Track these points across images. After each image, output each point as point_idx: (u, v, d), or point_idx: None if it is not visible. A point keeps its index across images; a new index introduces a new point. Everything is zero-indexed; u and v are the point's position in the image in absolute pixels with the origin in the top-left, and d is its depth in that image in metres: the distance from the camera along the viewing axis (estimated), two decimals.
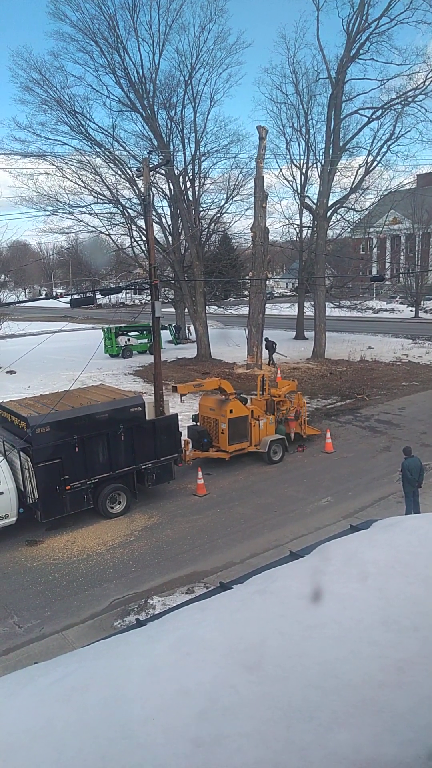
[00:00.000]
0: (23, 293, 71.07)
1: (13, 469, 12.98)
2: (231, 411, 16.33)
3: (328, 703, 2.02)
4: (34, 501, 12.68)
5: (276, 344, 32.36)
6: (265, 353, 32.09)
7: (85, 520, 13.59)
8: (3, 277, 40.27)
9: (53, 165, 31.66)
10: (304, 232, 39.43)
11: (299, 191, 37.89)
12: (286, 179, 39.66)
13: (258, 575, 3.20)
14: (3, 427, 14.25)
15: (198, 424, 17.29)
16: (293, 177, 38.15)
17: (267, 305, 33.85)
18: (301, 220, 39.07)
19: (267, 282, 40.37)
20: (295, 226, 39.67)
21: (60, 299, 21.64)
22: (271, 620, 2.52)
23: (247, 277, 35.12)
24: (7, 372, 28.40)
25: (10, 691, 1.95)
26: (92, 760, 1.59)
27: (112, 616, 10.00)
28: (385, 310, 61.00)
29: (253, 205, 31.57)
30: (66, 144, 32.62)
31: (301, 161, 36.95)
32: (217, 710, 1.91)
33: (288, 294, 67.47)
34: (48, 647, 9.16)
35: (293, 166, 37.82)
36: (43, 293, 71.58)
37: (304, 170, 37.05)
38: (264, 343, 31.94)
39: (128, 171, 31.85)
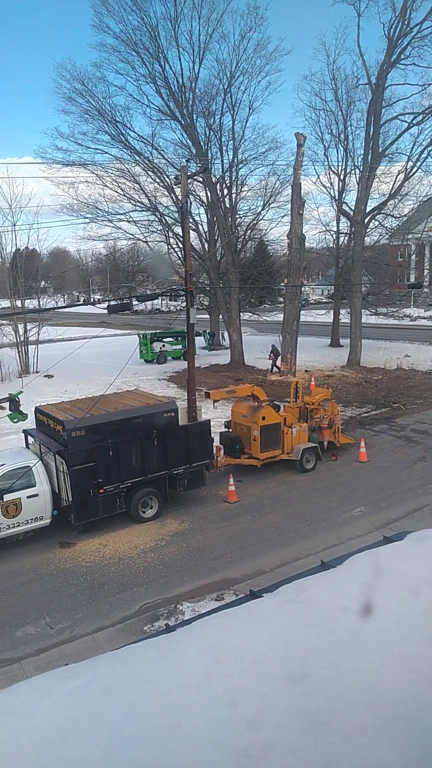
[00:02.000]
0: (62, 299, 72.48)
1: (49, 472, 13.21)
2: (263, 418, 16.28)
3: (357, 717, 1.99)
4: (68, 503, 12.87)
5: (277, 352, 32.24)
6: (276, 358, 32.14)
7: (118, 523, 13.72)
8: (43, 283, 41.16)
9: (93, 173, 32.33)
10: (341, 239, 39.14)
11: (337, 198, 37.66)
12: (323, 186, 39.43)
13: (288, 584, 3.18)
14: (40, 430, 14.54)
15: (230, 430, 17.28)
16: (331, 183, 37.96)
17: (302, 312, 33.69)
18: (338, 226, 38.82)
19: (302, 289, 40.17)
20: (332, 232, 39.42)
21: (97, 305, 21.97)
22: (301, 630, 2.49)
23: (283, 284, 35.04)
24: (44, 376, 28.96)
25: (42, 692, 1.98)
26: (120, 764, 1.61)
27: (142, 620, 10.05)
28: (423, 317, 59.94)
29: (289, 212, 31.51)
30: (106, 153, 33.28)
31: (340, 167, 36.74)
32: (243, 719, 1.90)
33: (323, 301, 67.02)
34: (78, 649, 9.26)
35: (331, 173, 37.63)
36: (81, 299, 72.84)
37: (342, 176, 36.81)
38: (272, 349, 31.91)
39: (166, 179, 32.24)
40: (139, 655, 2.12)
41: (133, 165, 32.86)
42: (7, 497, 12.28)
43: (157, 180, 32.95)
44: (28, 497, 12.63)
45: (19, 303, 33.93)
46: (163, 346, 37.21)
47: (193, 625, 2.89)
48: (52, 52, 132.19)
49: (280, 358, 32.06)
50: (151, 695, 1.81)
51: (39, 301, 37.49)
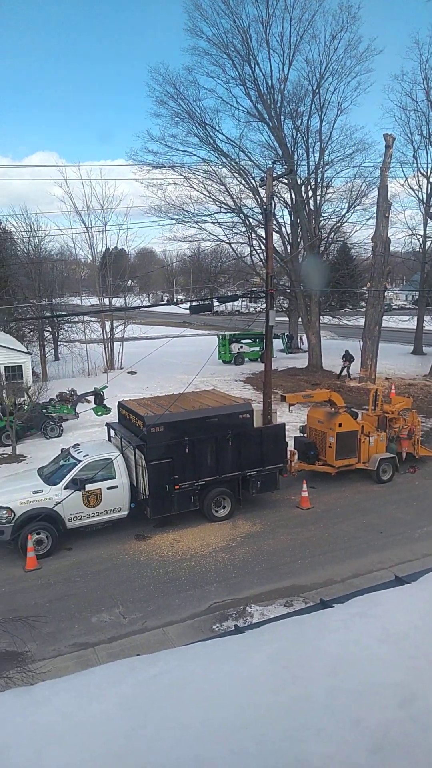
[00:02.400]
0: (147, 298, 74.46)
1: (128, 465, 13.64)
2: (340, 425, 15.96)
3: (428, 739, 1.93)
4: (145, 497, 13.23)
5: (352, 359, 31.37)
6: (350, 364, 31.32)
7: (191, 520, 13.93)
8: (129, 282, 42.50)
9: (181, 175, 32.95)
10: (428, 243, 37.63)
11: (425, 200, 36.25)
12: (411, 188, 38.08)
13: (360, 597, 3.12)
14: (122, 424, 15.04)
15: (305, 435, 17.09)
16: (419, 186, 36.60)
17: (384, 317, 32.68)
18: (425, 230, 37.35)
19: (385, 293, 38.96)
20: (419, 236, 37.98)
21: (180, 305, 22.41)
22: (371, 646, 2.45)
23: (365, 288, 34.17)
24: (128, 372, 29.90)
25: (114, 679, 2.06)
26: (185, 759, 1.65)
27: (211, 619, 10.16)
28: None
29: (375, 215, 30.67)
30: (194, 155, 33.80)
31: (429, 169, 35.35)
32: (309, 730, 1.90)
33: (407, 306, 64.68)
34: (149, 641, 9.50)
35: (420, 175, 36.28)
36: (165, 299, 74.49)
37: (431, 179, 35.41)
38: (345, 354, 31.12)
39: (252, 180, 32.34)
40: (208, 653, 2.16)
41: (220, 167, 33.20)
42: (88, 487, 12.80)
43: (243, 182, 33.10)
44: (108, 488, 13.10)
45: (106, 301, 35.21)
46: (241, 347, 37.33)
47: (263, 629, 2.90)
48: (148, 57, 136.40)
49: (351, 363, 31.30)
50: (219, 694, 1.85)
51: (125, 300, 38.71)
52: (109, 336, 33.37)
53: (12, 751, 1.46)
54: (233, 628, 8.85)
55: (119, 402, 15.63)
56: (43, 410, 20.79)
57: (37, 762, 1.46)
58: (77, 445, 14.64)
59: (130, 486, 13.46)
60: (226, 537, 13.31)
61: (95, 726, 1.72)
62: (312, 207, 33.61)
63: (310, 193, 33.64)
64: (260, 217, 30.37)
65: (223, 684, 2.07)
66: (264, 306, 17.58)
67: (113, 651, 9.24)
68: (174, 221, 34.25)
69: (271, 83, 32.15)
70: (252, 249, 34.92)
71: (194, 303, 18.69)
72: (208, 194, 33.41)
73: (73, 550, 12.82)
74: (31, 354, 25.79)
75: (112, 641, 9.64)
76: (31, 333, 33.07)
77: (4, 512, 12.22)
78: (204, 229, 34.73)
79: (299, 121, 32.82)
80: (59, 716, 1.61)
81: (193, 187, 33.22)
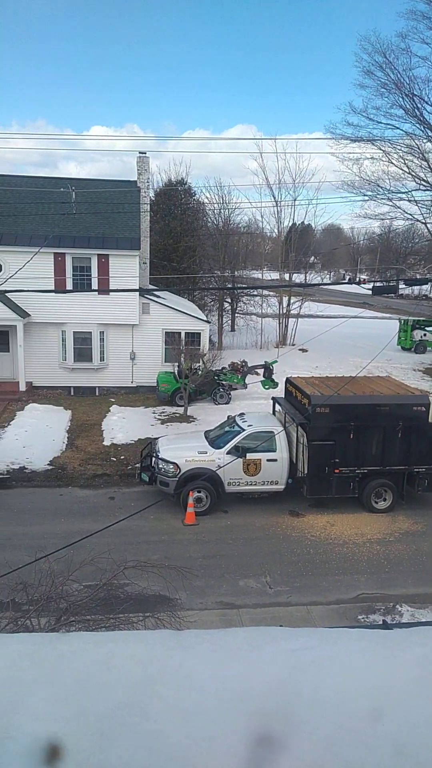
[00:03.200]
0: (328, 276, 73.22)
1: (289, 441, 13.72)
2: None
3: None
4: (303, 475, 13.23)
5: None
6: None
7: (347, 506, 13.64)
8: (312, 258, 42.08)
9: (380, 149, 31.34)
10: None
11: None
12: None
13: None
14: (287, 399, 15.12)
15: None
16: None
17: None
18: None
19: None
20: None
21: (362, 285, 21.65)
22: None
23: None
24: (299, 349, 29.85)
25: (254, 644, 2.09)
26: (317, 738, 1.62)
27: (357, 608, 9.94)
28: None
29: None
30: (397, 128, 31.91)
31: None
32: None
33: None
34: (292, 615, 9.60)
35: None
36: (347, 278, 72.54)
37: None
38: None
39: None
40: (352, 641, 2.09)
41: (425, 141, 30.93)
42: (249, 456, 13.16)
43: None
44: (267, 460, 13.34)
45: (287, 276, 35.28)
46: (425, 335, 34.98)
47: (412, 630, 2.73)
48: (357, 25, 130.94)
49: None
50: (359, 683, 1.78)
51: (305, 276, 38.41)
52: (285, 311, 33.51)
53: (158, 686, 1.56)
54: (380, 622, 8.58)
55: (287, 378, 15.70)
56: (215, 377, 21.69)
57: (179, 700, 1.54)
58: (243, 414, 15.07)
59: (290, 462, 13.54)
60: (383, 530, 12.82)
61: (234, 682, 1.77)
62: None
63: None
64: None
65: (363, 676, 2.00)
66: None
67: (255, 617, 9.51)
68: (367, 198, 32.87)
69: None
70: None
71: (378, 284, 17.91)
72: (407, 170, 31.42)
73: (229, 513, 13.35)
74: (209, 323, 26.94)
75: (256, 607, 9.92)
76: (212, 303, 34.46)
77: (171, 467, 13.10)
78: (398, 207, 32.81)
79: None
80: (201, 664, 1.67)
81: (392, 162, 31.46)
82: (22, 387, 21.51)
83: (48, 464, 15.65)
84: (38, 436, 17.27)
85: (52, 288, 21.18)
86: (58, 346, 22.53)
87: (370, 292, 18.34)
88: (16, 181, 24.63)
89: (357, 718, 1.81)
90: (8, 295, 19.17)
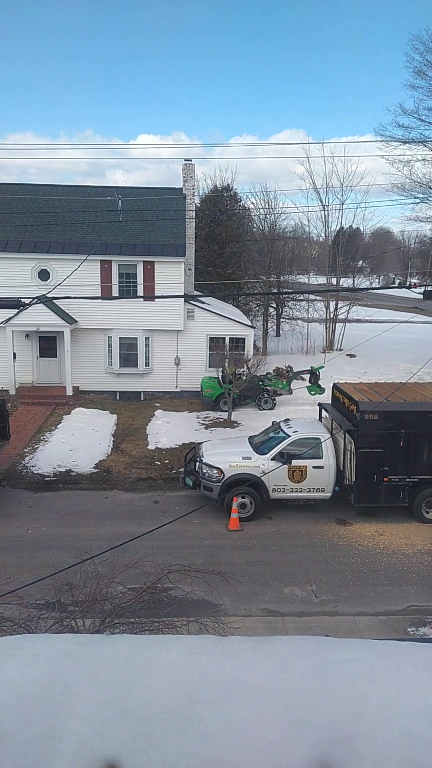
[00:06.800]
0: (377, 280, 72.00)
1: (336, 448, 13.50)
2: None
3: None
4: (350, 483, 12.98)
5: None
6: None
7: (397, 516, 13.31)
8: (361, 262, 41.44)
9: None
10: None
11: None
12: None
13: None
14: (334, 406, 14.90)
15: None
16: None
17: None
18: None
19: None
20: None
21: (413, 290, 21.15)
22: None
23: None
24: (347, 355, 29.41)
25: (300, 652, 2.04)
26: (364, 754, 1.56)
27: (407, 620, 9.65)
28: None
29: None
30: None
31: None
32: None
33: None
34: (338, 625, 9.41)
35: None
36: (397, 282, 71.13)
37: None
38: None
39: None
40: (402, 655, 2.01)
41: None
42: (294, 462, 13.01)
43: None
44: (313, 467, 13.16)
45: (334, 281, 34.86)
46: None
47: None
48: (408, 25, 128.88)
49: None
50: (412, 699, 1.71)
51: (353, 281, 37.88)
52: (332, 316, 33.09)
53: (202, 691, 1.54)
54: (431, 636, 8.29)
55: (334, 384, 15.47)
56: (260, 383, 21.61)
57: (223, 707, 1.51)
58: (288, 420, 14.93)
59: (336, 469, 13.32)
60: None
61: (279, 692, 1.73)
62: None
63: None
64: None
65: (410, 691, 1.92)
66: None
67: (301, 625, 9.37)
68: (418, 200, 32.14)
69: None
70: None
71: (430, 288, 17.49)
72: None
73: (274, 520, 13.22)
74: (254, 328, 26.88)
75: (301, 616, 9.77)
76: (257, 308, 34.37)
77: (215, 472, 13.09)
78: None
79: None
80: (246, 671, 1.64)
81: None
82: (69, 391, 21.99)
83: (93, 467, 15.92)
84: (84, 439, 17.59)
85: (99, 295, 21.60)
86: (104, 351, 22.95)
87: (421, 297, 17.92)
88: (64, 190, 25.30)
89: (408, 735, 1.74)
90: (56, 301, 19.66)
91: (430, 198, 31.60)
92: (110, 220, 22.37)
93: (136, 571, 6.99)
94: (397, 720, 1.76)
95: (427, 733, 1.72)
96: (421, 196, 31.76)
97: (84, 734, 1.36)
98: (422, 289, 17.03)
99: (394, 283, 69.03)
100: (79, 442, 17.34)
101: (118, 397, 23.07)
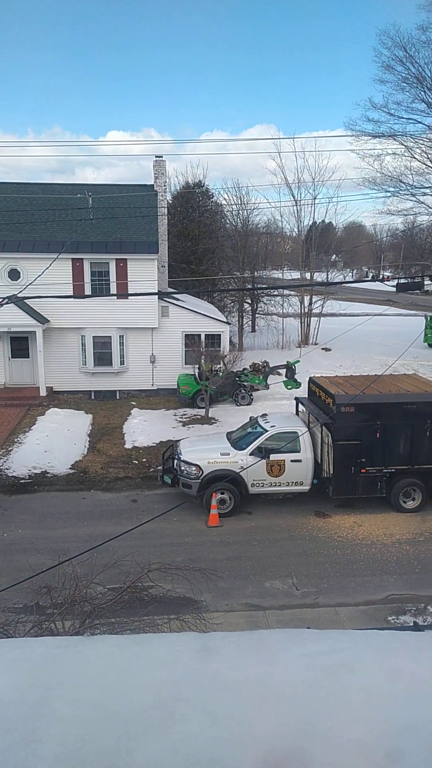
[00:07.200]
0: (350, 274, 72.68)
1: (314, 441, 13.60)
2: None
3: None
4: (329, 476, 13.10)
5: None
6: None
7: (375, 506, 13.47)
8: (334, 257, 41.75)
9: (402, 145, 30.97)
10: None
11: None
12: None
13: None
14: (311, 399, 15.00)
15: None
16: None
17: None
18: None
19: None
20: None
21: (386, 282, 21.41)
22: None
23: None
24: (322, 349, 29.64)
25: (282, 646, 2.04)
26: (345, 741, 1.57)
27: (387, 609, 9.78)
28: None
29: None
30: (420, 123, 31.48)
31: None
32: None
33: None
34: (320, 617, 9.49)
35: None
36: (370, 275, 71.89)
37: None
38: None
39: None
40: (383, 643, 2.03)
41: None
42: (273, 457, 13.07)
43: None
44: (291, 461, 13.23)
45: (308, 275, 35.08)
46: None
47: None
48: (375, 20, 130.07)
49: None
50: (392, 687, 1.72)
51: (327, 275, 38.16)
52: (306, 311, 33.30)
53: (184, 688, 1.53)
54: (411, 624, 8.42)
55: (310, 378, 15.57)
56: (236, 378, 21.64)
57: (205, 703, 1.50)
58: (265, 415, 14.99)
59: (314, 462, 13.42)
60: (412, 530, 12.62)
61: (262, 686, 1.73)
62: None
63: None
64: None
65: (394, 678, 1.94)
66: None
67: (283, 619, 9.43)
68: (389, 194, 32.50)
69: None
70: None
71: (402, 281, 17.71)
72: (431, 164, 31.02)
73: (253, 514, 13.27)
74: (230, 324, 26.90)
75: (283, 609, 9.83)
76: (232, 304, 34.41)
77: (193, 469, 13.08)
78: (422, 203, 32.40)
79: None
80: (227, 667, 1.63)
81: (414, 158, 31.06)
82: (43, 392, 21.72)
83: (70, 468, 15.76)
84: (59, 440, 17.41)
85: (71, 294, 21.37)
86: (77, 350, 22.72)
87: (394, 290, 18.15)
88: (33, 188, 24.93)
89: (390, 722, 1.75)
90: (27, 301, 19.39)
91: (401, 191, 31.97)
92: (81, 218, 22.14)
93: (115, 571, 6.95)
94: (379, 708, 1.78)
95: (409, 720, 1.74)
96: (391, 189, 32.12)
97: (65, 737, 1.34)
98: (395, 282, 17.24)
99: (368, 277, 69.73)
100: (54, 443, 17.14)
101: (93, 397, 22.88)
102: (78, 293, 21.69)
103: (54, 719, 1.39)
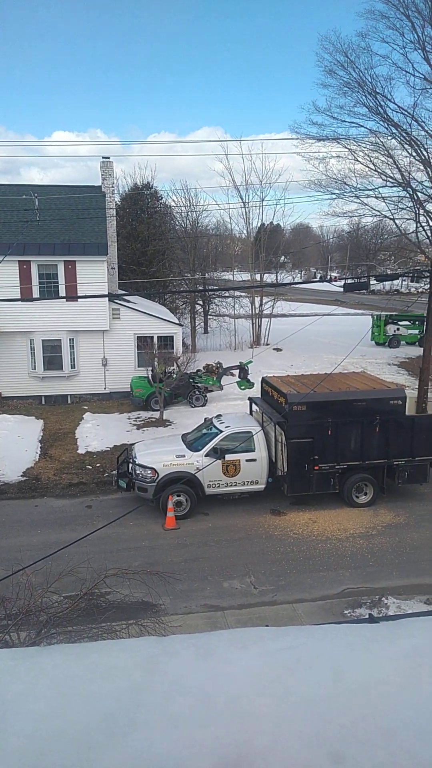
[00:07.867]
0: (299, 275, 73.79)
1: (268, 440, 13.74)
2: None
3: None
4: (283, 474, 13.26)
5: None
6: None
7: (329, 503, 13.72)
8: (282, 258, 42.28)
9: (346, 148, 31.64)
10: None
11: None
12: None
13: None
14: (264, 399, 15.16)
15: None
16: None
17: None
18: None
19: None
20: None
21: (333, 283, 21.83)
22: None
23: None
24: (274, 349, 29.98)
25: (240, 645, 2.05)
26: (308, 734, 1.59)
27: (343, 603, 9.98)
28: None
29: None
30: (362, 126, 32.22)
31: None
32: None
33: None
34: (278, 614, 9.59)
35: None
36: (318, 276, 73.19)
37: None
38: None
39: (424, 152, 30.16)
40: (339, 637, 2.06)
41: (389, 138, 31.37)
42: (228, 457, 13.13)
43: (414, 154, 30.99)
44: (246, 460, 13.33)
45: (257, 276, 35.43)
46: (398, 329, 35.43)
47: (399, 623, 2.72)
48: (317, 25, 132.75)
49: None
50: (347, 681, 1.76)
51: (276, 276, 38.63)
52: (257, 312, 33.62)
53: (144, 694, 1.52)
54: (367, 616, 8.62)
55: (263, 378, 15.74)
56: (190, 380, 21.64)
57: (166, 707, 1.50)
58: (220, 416, 15.05)
59: (269, 461, 13.56)
60: (365, 524, 12.92)
61: (222, 686, 1.73)
62: None
63: None
64: (431, 191, 28.34)
65: (353, 672, 1.98)
66: (428, 286, 16.48)
67: (241, 618, 9.48)
68: (334, 196, 33.09)
69: None
70: (419, 225, 32.80)
71: (349, 281, 18.11)
72: (373, 167, 31.76)
73: (210, 515, 13.30)
74: (182, 326, 26.86)
75: (242, 608, 9.89)
76: (184, 306, 34.39)
77: (149, 472, 13.00)
78: (366, 204, 33.14)
79: None
80: (187, 669, 1.64)
81: (357, 160, 31.79)
82: None
83: (21, 475, 15.40)
84: (10, 447, 16.98)
85: (18, 297, 20.87)
86: (26, 355, 22.20)
87: (341, 290, 18.54)
88: None
89: (348, 713, 1.79)
90: None
91: (345, 193, 32.65)
92: (27, 220, 21.65)
93: (71, 578, 6.82)
94: (336, 701, 1.82)
95: (365, 710, 1.78)
96: (337, 191, 32.75)
97: (24, 751, 1.31)
98: (342, 282, 17.62)
99: (316, 277, 70.98)
100: (3, 450, 16.70)
101: (43, 402, 22.41)
102: (26, 296, 21.19)
103: (11, 734, 1.36)
